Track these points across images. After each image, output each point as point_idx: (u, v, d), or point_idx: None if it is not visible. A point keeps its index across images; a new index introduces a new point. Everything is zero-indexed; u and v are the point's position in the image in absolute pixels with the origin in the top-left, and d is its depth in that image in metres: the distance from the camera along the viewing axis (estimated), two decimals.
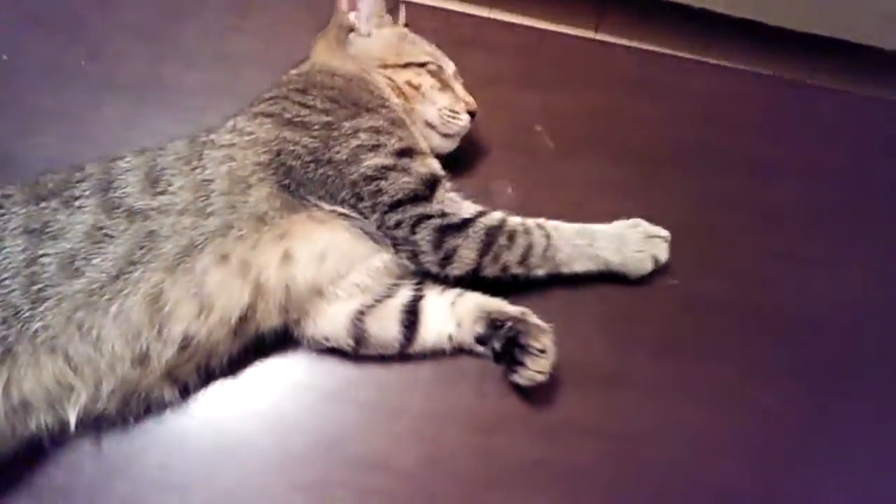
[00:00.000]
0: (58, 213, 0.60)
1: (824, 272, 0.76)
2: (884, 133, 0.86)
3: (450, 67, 0.75)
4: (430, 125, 0.73)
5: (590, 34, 0.86)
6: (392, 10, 0.82)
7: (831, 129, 0.84)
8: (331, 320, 0.66)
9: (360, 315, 0.66)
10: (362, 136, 0.66)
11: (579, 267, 0.70)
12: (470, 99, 0.75)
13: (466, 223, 0.66)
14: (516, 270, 0.68)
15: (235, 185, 0.63)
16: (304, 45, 0.77)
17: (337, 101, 0.68)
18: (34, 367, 0.57)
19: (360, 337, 0.66)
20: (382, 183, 0.65)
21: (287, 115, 0.66)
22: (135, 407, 0.62)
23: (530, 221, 0.69)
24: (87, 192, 0.61)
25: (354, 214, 0.65)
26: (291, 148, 0.64)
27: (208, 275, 0.60)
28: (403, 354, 0.67)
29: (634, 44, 0.90)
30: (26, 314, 0.57)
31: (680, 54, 0.88)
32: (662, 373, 0.69)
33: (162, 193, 0.62)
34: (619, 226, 0.73)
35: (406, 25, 0.83)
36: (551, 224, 0.70)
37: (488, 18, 0.89)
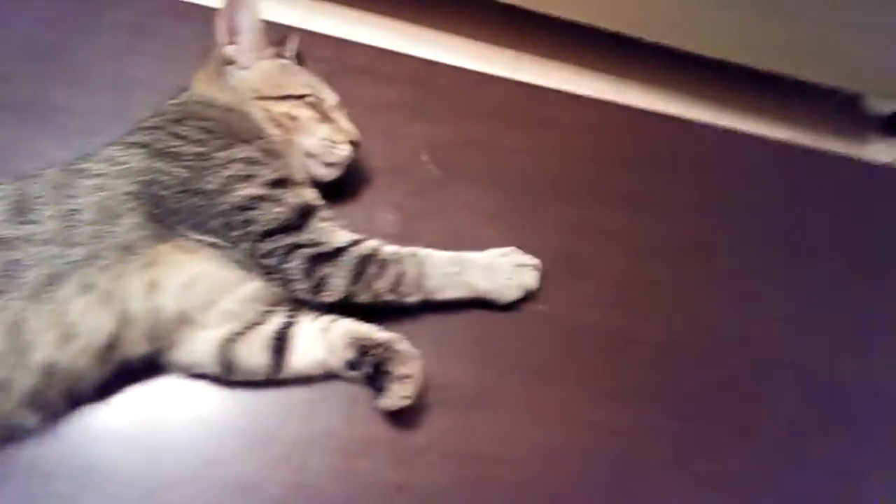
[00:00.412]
0: None
1: (689, 302, 0.80)
2: (754, 167, 0.91)
3: (331, 98, 0.77)
4: (310, 155, 0.75)
5: (478, 67, 0.89)
6: (282, 40, 0.84)
7: (701, 163, 0.89)
8: (199, 347, 0.67)
9: (229, 342, 0.67)
10: (235, 166, 0.67)
11: (451, 294, 0.73)
12: (352, 129, 0.77)
13: (338, 252, 0.69)
14: (388, 297, 0.71)
15: (104, 214, 0.63)
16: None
17: (211, 132, 0.69)
18: None
19: (228, 363, 0.67)
20: (253, 213, 0.66)
21: (159, 146, 0.67)
22: None
23: (404, 250, 0.72)
24: None
25: (224, 244, 0.66)
26: (162, 178, 0.66)
27: (72, 304, 0.61)
28: (273, 380, 0.69)
29: (520, 77, 0.94)
30: None
31: (563, 89, 0.91)
32: (525, 396, 0.72)
33: (28, 223, 0.62)
34: (491, 254, 0.76)
35: (298, 55, 0.85)
36: (425, 252, 0.73)
37: (382, 49, 0.91)
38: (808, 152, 0.94)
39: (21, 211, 0.62)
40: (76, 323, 0.61)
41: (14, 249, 0.61)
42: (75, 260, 0.61)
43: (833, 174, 0.92)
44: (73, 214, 0.63)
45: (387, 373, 0.67)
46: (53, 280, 0.61)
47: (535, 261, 0.77)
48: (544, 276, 0.77)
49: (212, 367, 0.67)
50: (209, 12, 0.76)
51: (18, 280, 0.60)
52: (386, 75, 0.90)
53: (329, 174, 0.77)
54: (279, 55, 0.77)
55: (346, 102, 0.81)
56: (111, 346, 0.63)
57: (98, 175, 0.65)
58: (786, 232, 0.86)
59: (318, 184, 0.76)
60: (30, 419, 0.63)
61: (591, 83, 1.72)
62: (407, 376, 0.67)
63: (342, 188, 0.80)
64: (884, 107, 1.82)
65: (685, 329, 0.78)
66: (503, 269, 0.75)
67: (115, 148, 0.68)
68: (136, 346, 0.64)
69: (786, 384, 0.77)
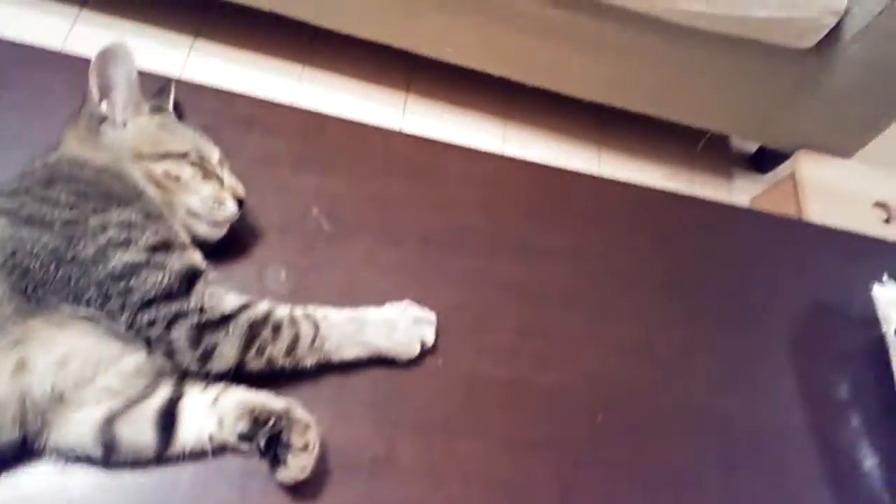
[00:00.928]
0: None
1: (582, 349, 0.82)
2: (634, 214, 0.95)
3: (215, 155, 0.74)
4: (193, 214, 0.72)
5: (366, 120, 0.89)
6: (163, 89, 0.81)
7: (586, 212, 0.92)
8: (76, 429, 0.61)
9: (110, 421, 0.62)
10: (111, 231, 0.63)
11: (349, 354, 0.72)
12: (238, 186, 0.74)
13: (227, 318, 0.65)
14: (284, 363, 0.68)
15: None
16: None
17: (85, 195, 0.64)
18: None
19: (110, 444, 0.62)
20: (133, 281, 0.62)
21: (25, 212, 0.62)
22: None
23: (298, 311, 0.70)
24: None
25: (101, 315, 0.62)
26: (29, 247, 0.60)
27: None
28: (161, 458, 0.65)
29: (410, 131, 0.94)
30: None
31: (454, 142, 0.93)
32: (427, 453, 0.71)
33: None
34: (388, 311, 0.75)
35: (177, 106, 0.82)
36: (321, 313, 0.71)
37: (269, 101, 0.89)
38: (680, 198, 1.00)
39: None
40: None
41: None
42: None
43: (704, 218, 0.98)
44: None
45: (283, 444, 0.64)
46: None
47: (431, 314, 0.77)
48: (441, 328, 0.77)
49: (91, 450, 0.62)
50: (82, 62, 0.72)
51: None
52: (273, 127, 0.88)
53: (215, 234, 0.74)
54: (158, 110, 0.74)
55: (231, 156, 0.79)
56: None
57: None
58: (667, 275, 0.91)
59: (203, 244, 0.73)
60: None
61: (478, 130, 1.78)
62: (305, 446, 0.64)
63: (230, 246, 0.76)
64: (748, 146, 1.98)
65: (580, 377, 0.80)
66: (402, 326, 0.75)
67: None
68: (3, 432, 0.59)
69: (678, 426, 0.80)
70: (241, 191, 0.74)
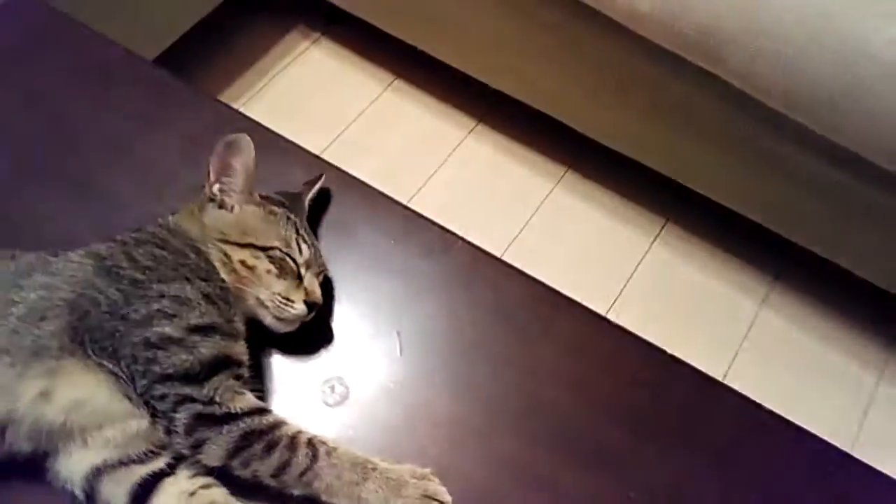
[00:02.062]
0: None
1: None
2: None
3: (301, 257, 0.75)
4: (261, 305, 0.73)
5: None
6: (314, 180, 0.85)
7: None
8: (73, 465, 0.66)
9: (100, 472, 0.66)
10: (165, 301, 0.67)
11: (339, 502, 0.66)
12: (315, 291, 0.74)
13: (228, 418, 0.65)
14: (271, 482, 0.65)
15: (33, 313, 0.66)
16: None
17: (160, 262, 0.70)
18: None
19: (91, 493, 0.66)
20: (161, 353, 0.65)
21: (108, 263, 0.69)
22: None
23: (304, 437, 0.66)
24: None
25: (123, 374, 0.66)
26: (95, 295, 0.67)
27: None
28: None
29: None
30: None
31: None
32: None
33: None
34: (401, 471, 0.67)
35: (325, 194, 0.85)
36: (329, 447, 0.67)
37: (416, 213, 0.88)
38: None
39: None
40: None
41: None
42: None
43: None
44: (10, 305, 0.67)
45: None
46: None
47: (446, 497, 0.67)
48: None
49: (77, 489, 0.66)
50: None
51: None
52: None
53: (281, 328, 0.74)
54: (269, 202, 0.77)
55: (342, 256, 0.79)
56: None
57: (53, 274, 0.69)
58: None
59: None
60: None
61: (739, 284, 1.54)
62: None
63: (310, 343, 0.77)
64: None
65: None
66: (406, 493, 0.66)
67: (80, 253, 0.71)
68: (20, 443, 0.66)
69: None
70: (316, 296, 0.74)
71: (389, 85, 1.77)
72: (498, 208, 1.63)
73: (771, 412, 0.76)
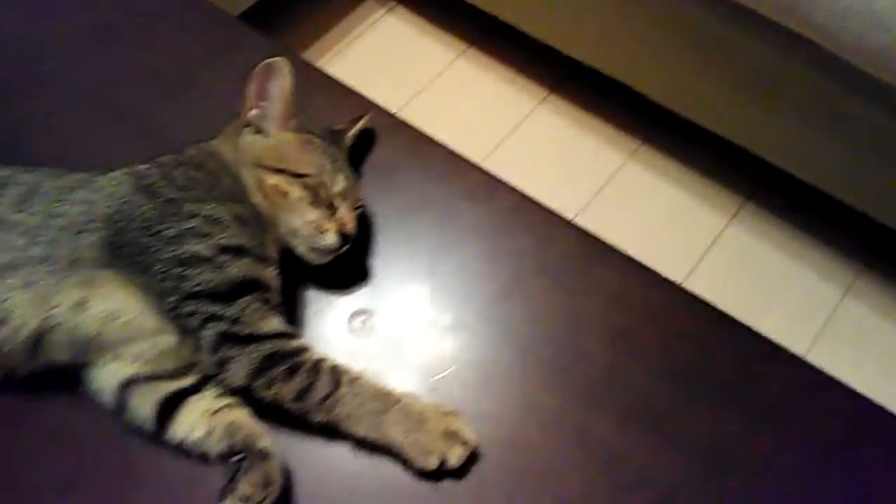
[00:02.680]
0: None
1: None
2: None
3: (339, 186, 0.74)
4: (294, 234, 0.73)
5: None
6: (358, 118, 0.84)
7: None
8: (105, 377, 0.68)
9: (130, 383, 0.67)
10: (197, 221, 0.68)
11: (359, 431, 0.65)
12: (349, 223, 0.73)
13: (253, 339, 0.65)
14: (291, 407, 0.65)
15: (73, 225, 0.68)
16: None
17: (196, 183, 0.71)
18: None
19: (121, 404, 0.67)
20: (191, 271, 0.66)
21: (147, 181, 0.71)
22: None
23: (328, 364, 0.66)
24: None
25: (156, 289, 0.67)
26: (132, 211, 0.69)
27: (12, 293, 0.66)
28: (157, 439, 0.67)
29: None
30: None
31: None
32: None
33: (21, 212, 0.69)
34: (426, 407, 0.66)
35: (368, 133, 0.84)
36: (353, 375, 0.66)
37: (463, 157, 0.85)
38: None
39: (25, 200, 0.70)
40: (10, 311, 0.66)
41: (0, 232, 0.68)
42: (31, 256, 0.67)
43: None
44: (52, 217, 0.69)
45: (232, 482, 0.61)
46: (10, 268, 0.66)
47: (472, 437, 0.65)
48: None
49: (108, 400, 0.68)
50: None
51: None
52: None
53: (314, 259, 0.73)
54: (306, 131, 0.76)
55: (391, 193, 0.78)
56: (35, 343, 0.67)
57: (96, 191, 0.71)
58: None
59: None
60: None
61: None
62: (246, 497, 0.61)
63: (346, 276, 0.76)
64: None
65: None
66: (428, 428, 0.64)
67: (122, 171, 0.73)
68: (57, 352, 0.68)
69: None
70: (349, 228, 0.72)
71: (462, 53, 1.75)
72: (567, 179, 1.59)
73: (822, 373, 0.69)
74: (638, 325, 0.74)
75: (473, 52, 1.75)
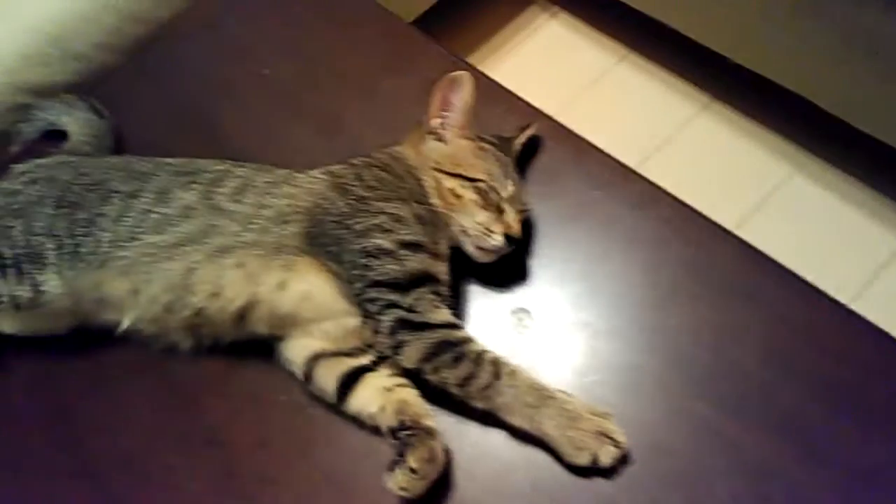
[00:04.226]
0: (178, 188, 0.82)
1: None
2: None
3: (507, 191, 0.79)
4: (464, 233, 0.79)
5: None
6: (524, 127, 0.89)
7: None
8: (297, 349, 0.78)
9: (318, 357, 0.77)
10: (382, 218, 0.76)
11: (515, 421, 0.70)
12: (515, 225, 0.78)
13: (425, 327, 0.72)
14: (454, 391, 0.71)
15: (279, 216, 0.78)
16: None
17: (383, 183, 0.79)
18: (114, 279, 0.80)
19: (308, 374, 0.77)
20: (375, 261, 0.74)
21: (341, 180, 0.80)
22: (164, 341, 0.82)
23: (490, 355, 0.71)
24: (204, 182, 0.82)
25: (344, 276, 0.75)
26: (328, 206, 0.78)
27: (226, 271, 0.77)
28: (336, 408, 0.76)
29: None
30: (123, 243, 0.80)
31: None
32: None
33: (237, 202, 0.80)
34: (579, 405, 0.70)
35: (534, 142, 0.89)
36: (510, 367, 0.71)
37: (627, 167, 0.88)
38: None
39: (240, 192, 0.81)
40: (223, 287, 0.77)
41: (219, 218, 0.79)
42: (244, 241, 0.77)
43: None
44: (262, 208, 0.79)
45: (401, 455, 0.68)
46: (225, 250, 0.78)
47: (623, 439, 0.68)
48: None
49: (298, 371, 0.78)
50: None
51: (208, 240, 0.78)
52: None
53: (480, 257, 0.80)
54: (481, 140, 0.82)
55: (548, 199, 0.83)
56: (241, 316, 0.78)
57: (297, 186, 0.81)
58: None
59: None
60: (185, 342, 0.82)
61: None
62: (414, 470, 0.67)
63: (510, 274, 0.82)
64: None
65: None
66: (581, 426, 0.68)
67: (320, 170, 0.82)
68: (258, 325, 0.78)
69: None
70: (514, 230, 0.78)
71: (623, 58, 1.75)
72: (727, 189, 1.54)
73: None
74: (798, 343, 0.73)
75: (634, 57, 1.75)
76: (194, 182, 0.82)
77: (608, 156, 0.89)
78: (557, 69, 1.77)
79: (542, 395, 0.70)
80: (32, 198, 0.84)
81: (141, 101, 1.07)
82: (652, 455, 0.70)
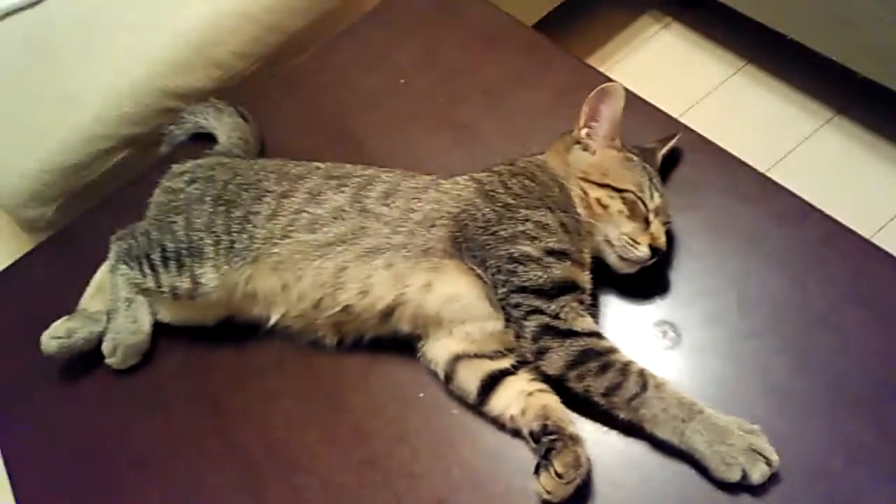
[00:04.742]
0: (329, 190, 0.86)
1: None
2: None
3: (653, 203, 0.79)
4: (608, 243, 0.79)
5: None
6: (669, 137, 0.88)
7: None
8: (439, 349, 0.80)
9: (459, 358, 0.78)
10: (528, 225, 0.77)
11: (662, 434, 0.70)
12: (660, 237, 0.78)
13: (570, 334, 0.72)
14: (598, 401, 0.71)
15: (426, 220, 0.81)
16: None
17: (530, 192, 0.80)
18: (264, 275, 0.84)
19: (450, 375, 0.79)
20: (520, 268, 0.75)
21: (488, 187, 0.81)
22: (309, 337, 0.86)
23: (637, 367, 0.71)
24: (353, 186, 0.86)
25: (488, 281, 0.77)
26: (474, 212, 0.80)
27: (375, 271, 0.80)
28: (476, 409, 0.77)
29: None
30: (276, 241, 0.84)
31: None
32: None
33: (386, 206, 0.83)
34: (728, 421, 0.68)
35: (676, 149, 0.88)
36: (659, 381, 0.70)
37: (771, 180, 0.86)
38: None
39: (388, 196, 0.84)
40: (372, 286, 0.80)
41: (369, 220, 0.82)
42: (393, 243, 0.80)
43: None
44: (410, 212, 0.82)
45: (547, 460, 0.69)
46: (375, 251, 0.80)
47: (773, 456, 0.67)
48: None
49: (439, 370, 0.79)
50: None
51: (359, 241, 0.81)
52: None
53: (622, 268, 0.80)
54: (627, 150, 0.82)
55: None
56: (387, 314, 0.80)
57: (443, 192, 0.83)
58: None
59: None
60: (329, 339, 0.85)
61: None
62: (560, 475, 0.68)
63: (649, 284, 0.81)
64: None
65: None
66: (731, 442, 0.67)
67: (465, 177, 0.84)
68: (402, 323, 0.81)
69: None
70: (660, 242, 0.77)
71: (739, 70, 1.71)
72: (850, 206, 1.48)
73: None
74: None
75: (751, 69, 1.71)
76: (344, 185, 0.86)
77: (753, 169, 0.87)
78: (669, 80, 1.74)
79: (691, 409, 0.69)
80: (193, 196, 0.89)
81: (279, 107, 1.12)
82: (806, 476, 0.68)
